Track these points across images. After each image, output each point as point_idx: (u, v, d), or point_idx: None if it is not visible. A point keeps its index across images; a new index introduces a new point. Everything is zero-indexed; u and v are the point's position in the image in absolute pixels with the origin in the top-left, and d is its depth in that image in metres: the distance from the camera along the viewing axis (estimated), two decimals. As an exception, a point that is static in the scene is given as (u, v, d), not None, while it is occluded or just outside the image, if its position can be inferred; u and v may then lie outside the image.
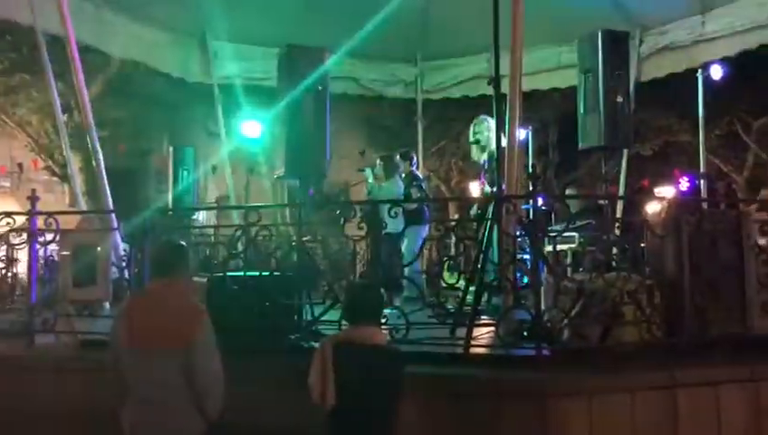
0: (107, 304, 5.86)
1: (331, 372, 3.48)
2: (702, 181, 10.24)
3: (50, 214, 5.49)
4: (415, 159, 9.24)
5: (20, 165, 17.43)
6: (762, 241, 4.91)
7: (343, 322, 3.98)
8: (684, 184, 15.85)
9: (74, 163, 8.99)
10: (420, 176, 9.10)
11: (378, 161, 8.75)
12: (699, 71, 9.62)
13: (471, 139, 7.30)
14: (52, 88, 7.72)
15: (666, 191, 17.83)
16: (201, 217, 10.07)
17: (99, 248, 5.44)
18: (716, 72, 9.86)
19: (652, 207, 5.55)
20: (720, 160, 19.02)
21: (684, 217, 4.77)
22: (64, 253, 5.49)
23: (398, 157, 8.72)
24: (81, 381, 4.95)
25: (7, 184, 18.26)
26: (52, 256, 5.68)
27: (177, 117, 16.14)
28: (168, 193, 9.09)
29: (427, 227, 8.07)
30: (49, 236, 5.48)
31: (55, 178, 16.42)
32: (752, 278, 4.84)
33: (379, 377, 3.55)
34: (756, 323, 4.82)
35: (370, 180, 8.51)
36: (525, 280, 5.37)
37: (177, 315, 3.49)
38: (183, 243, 3.96)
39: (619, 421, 4.18)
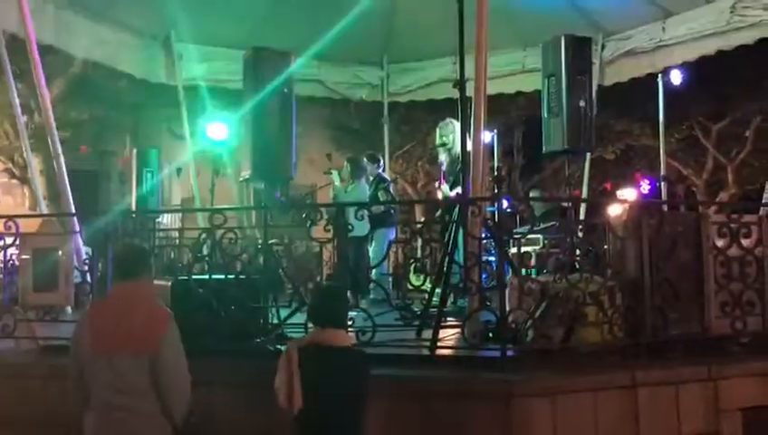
0: (69, 309, 5.76)
1: (297, 376, 3.48)
2: (662, 184, 10.42)
3: (10, 217, 5.39)
4: (381, 161, 9.28)
5: (-22, 167, 17.03)
6: (720, 243, 5.02)
7: (309, 324, 3.97)
8: (645, 187, 16.13)
9: (35, 165, 8.82)
10: (387, 178, 9.15)
11: (345, 164, 8.76)
12: (660, 76, 9.81)
13: (437, 141, 7.37)
14: (12, 89, 7.58)
15: (627, 194, 18.13)
16: (166, 219, 9.97)
17: (60, 252, 5.35)
18: (676, 78, 10.06)
19: (614, 210, 5.64)
20: (680, 164, 19.38)
21: (644, 220, 4.85)
22: (24, 257, 5.39)
23: (364, 159, 8.75)
24: (41, 387, 4.88)
25: (-35, 186, 17.84)
26: (12, 259, 5.56)
27: (141, 118, 15.95)
28: (132, 195, 8.96)
29: (393, 230, 8.12)
30: (9, 240, 5.38)
31: (15, 181, 16.08)
32: (710, 279, 4.94)
33: (345, 379, 3.55)
34: (714, 323, 4.92)
35: (337, 183, 8.52)
36: (488, 280, 5.42)
37: (143, 319, 3.43)
38: (144, 245, 3.92)
39: (583, 421, 4.25)
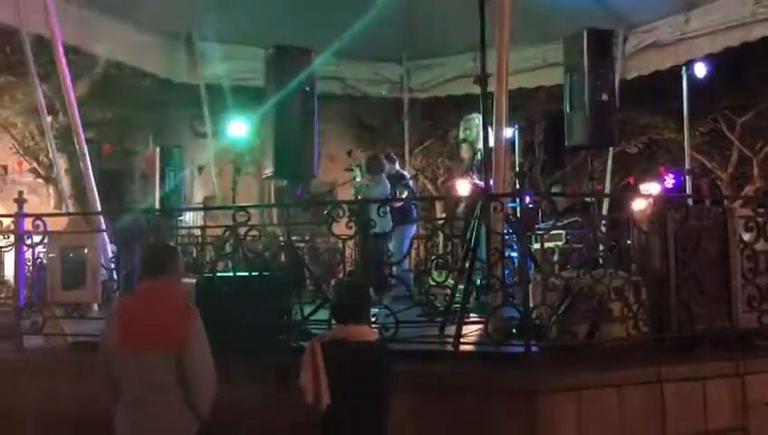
0: (95, 306, 5.84)
1: (323, 372, 3.49)
2: (687, 178, 10.30)
3: (38, 216, 5.47)
4: (396, 161, 9.28)
5: (5, 167, 17.30)
6: (746, 237, 4.96)
7: (333, 321, 3.99)
8: (669, 181, 15.96)
9: (60, 165, 8.94)
10: (407, 175, 9.14)
11: (362, 161, 8.78)
12: (683, 68, 9.69)
13: (461, 136, 7.35)
14: (38, 90, 7.68)
15: (651, 188, 17.95)
16: (188, 217, 10.05)
17: (87, 250, 5.42)
18: (700, 70, 9.93)
19: (638, 204, 5.60)
20: (705, 157, 19.15)
21: (669, 214, 4.81)
22: (52, 255, 5.47)
23: (383, 156, 8.77)
24: (70, 383, 4.95)
25: (-9, 186, 18.11)
26: (40, 258, 5.65)
27: (164, 117, 16.06)
28: (156, 194, 9.05)
29: (414, 226, 8.11)
30: (37, 238, 5.46)
31: (40, 180, 16.30)
32: (737, 273, 4.89)
33: (368, 375, 3.56)
34: (741, 317, 4.87)
35: (358, 179, 8.53)
36: (510, 277, 5.39)
37: (169, 317, 3.48)
38: (172, 244, 3.95)
39: (608, 417, 4.23)
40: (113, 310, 3.73)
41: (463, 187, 7.36)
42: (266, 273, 5.13)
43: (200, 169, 12.14)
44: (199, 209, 11.44)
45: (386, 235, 6.96)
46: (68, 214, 7.29)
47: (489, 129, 5.24)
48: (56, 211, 11.01)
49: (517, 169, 8.62)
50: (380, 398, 3.58)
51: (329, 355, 3.52)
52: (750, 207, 5.43)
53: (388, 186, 8.38)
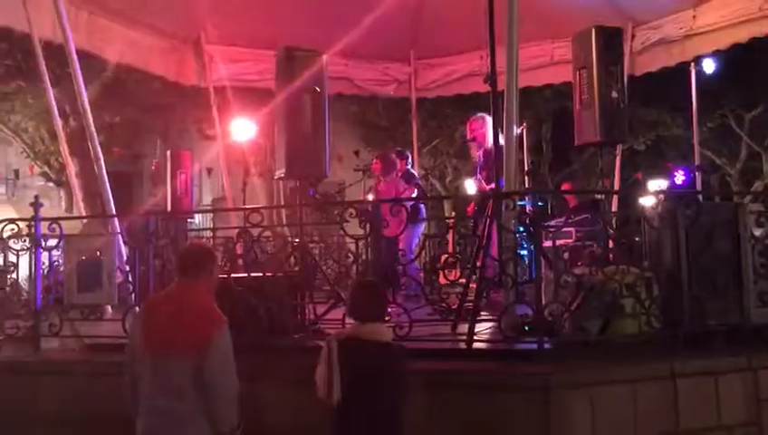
0: (109, 308, 5.89)
1: (336, 369, 3.51)
2: (697, 174, 10.30)
3: (54, 220, 5.53)
4: (409, 157, 9.31)
5: (16, 171, 17.45)
6: (758, 232, 4.97)
7: (348, 319, 4.02)
8: (679, 177, 15.94)
9: (71, 169, 9.00)
10: (416, 174, 9.17)
11: (374, 160, 8.82)
12: (691, 65, 9.67)
13: (469, 136, 7.38)
14: (49, 94, 7.74)
15: (659, 184, 17.92)
16: (197, 219, 10.11)
17: (102, 252, 5.48)
18: (708, 66, 9.93)
19: (647, 201, 5.61)
20: (713, 153, 19.13)
21: (680, 210, 4.83)
22: (68, 258, 5.53)
23: (393, 155, 8.80)
24: (86, 386, 4.99)
25: (3, 191, 18.26)
26: (56, 261, 5.71)
27: (173, 120, 16.16)
28: (167, 196, 9.12)
29: (423, 225, 8.14)
30: (53, 242, 5.52)
31: (51, 184, 16.43)
32: (748, 269, 4.90)
33: (384, 373, 3.58)
34: (753, 312, 4.88)
35: None
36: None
37: (194, 321, 3.33)
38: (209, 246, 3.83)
39: (621, 412, 4.25)
40: (140, 310, 3.62)
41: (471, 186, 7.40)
42: (279, 273, 5.17)
43: (209, 171, 12.20)
44: (209, 211, 11.50)
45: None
46: (83, 217, 7.36)
47: (499, 128, 5.27)
48: (73, 215, 11.09)
49: (526, 167, 8.62)
50: (396, 395, 3.60)
51: (344, 353, 3.55)
52: (761, 201, 5.43)
53: (400, 184, 8.41)
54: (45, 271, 5.63)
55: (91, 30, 8.14)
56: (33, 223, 5.53)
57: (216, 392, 3.25)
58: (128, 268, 5.55)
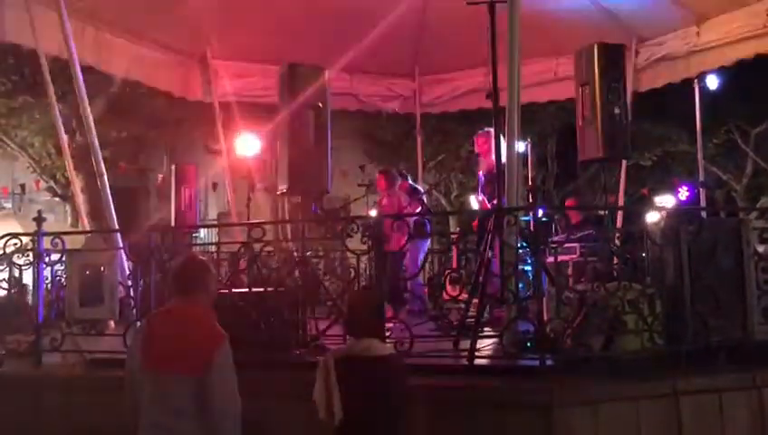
0: (111, 323, 5.89)
1: (335, 387, 3.48)
2: (701, 190, 10.27)
3: (57, 234, 5.55)
4: (408, 176, 9.34)
5: (22, 186, 17.53)
6: (761, 248, 4.95)
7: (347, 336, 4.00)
8: (683, 193, 15.92)
9: (77, 184, 9.04)
10: (421, 189, 9.18)
11: (377, 175, 8.85)
12: (695, 81, 9.66)
13: (476, 150, 7.44)
14: (55, 109, 7.79)
15: (665, 200, 17.88)
16: (202, 233, 10.13)
17: (104, 267, 5.49)
18: (713, 82, 9.92)
19: (652, 217, 5.60)
20: (719, 169, 19.10)
21: (683, 226, 4.81)
22: (71, 272, 5.54)
23: (394, 171, 8.84)
24: (87, 401, 4.98)
25: (9, 205, 18.34)
26: (58, 275, 5.72)
27: (178, 135, 16.24)
28: (171, 211, 9.14)
29: (428, 241, 8.13)
30: (55, 256, 5.53)
31: (57, 199, 16.50)
32: (752, 285, 4.87)
33: (382, 389, 3.55)
34: (757, 329, 4.84)
35: None
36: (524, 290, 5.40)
37: (196, 338, 3.30)
38: (205, 259, 3.79)
39: (625, 430, 4.21)
40: (139, 328, 3.61)
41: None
42: (281, 288, 5.16)
43: (214, 186, 12.23)
44: (214, 226, 11.52)
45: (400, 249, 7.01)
46: (86, 232, 7.38)
47: (502, 143, 5.28)
48: (76, 229, 11.12)
49: (530, 182, 8.63)
50: (395, 412, 3.58)
51: (343, 370, 3.52)
52: (765, 218, 5.41)
53: (404, 200, 8.42)
54: (48, 285, 5.64)
55: (97, 46, 8.22)
56: (35, 238, 5.54)
57: (217, 410, 3.21)
58: (130, 283, 5.56)
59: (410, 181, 9.03)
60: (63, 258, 5.53)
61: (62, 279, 5.68)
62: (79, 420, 4.94)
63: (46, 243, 5.53)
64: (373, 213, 9.08)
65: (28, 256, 5.57)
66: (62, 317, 5.54)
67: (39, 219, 5.62)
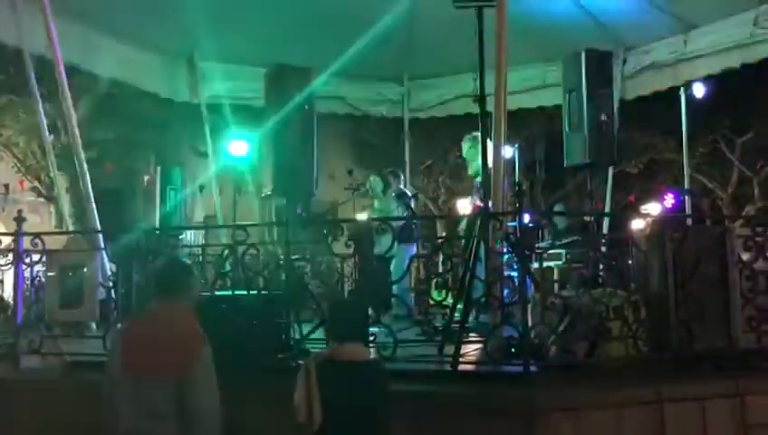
0: (93, 325, 5.83)
1: (316, 391, 3.45)
2: (687, 198, 10.32)
3: (36, 235, 5.47)
4: (402, 177, 9.31)
5: (6, 186, 17.35)
6: (745, 256, 4.96)
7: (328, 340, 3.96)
8: (669, 201, 15.99)
9: (61, 184, 8.97)
10: (408, 193, 9.16)
11: (371, 178, 8.84)
12: (682, 89, 9.70)
13: (464, 154, 7.43)
14: (40, 109, 7.71)
15: (652, 208, 17.97)
16: (189, 236, 10.06)
17: (86, 269, 5.42)
18: (699, 91, 9.97)
19: (637, 224, 5.61)
20: (705, 177, 19.20)
21: (668, 234, 4.81)
22: (51, 273, 5.47)
23: (388, 172, 8.83)
24: (67, 403, 4.92)
25: (-8, 205, 18.14)
26: (38, 276, 5.64)
27: (165, 137, 16.11)
28: (156, 212, 9.08)
29: (415, 245, 8.11)
30: (35, 257, 5.46)
31: (41, 199, 16.34)
32: (736, 293, 4.88)
33: (364, 394, 3.52)
34: (741, 337, 4.85)
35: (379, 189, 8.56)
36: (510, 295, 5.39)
37: (174, 343, 3.27)
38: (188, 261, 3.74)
39: (607, 437, 4.20)
40: (119, 332, 3.57)
41: (464, 205, 7.41)
42: (265, 292, 5.12)
43: (201, 187, 12.15)
44: (197, 228, 11.45)
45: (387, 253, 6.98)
46: (67, 232, 7.31)
47: (488, 148, 5.27)
48: (56, 230, 11.02)
49: (517, 187, 8.62)
50: (377, 417, 3.54)
51: (323, 374, 3.48)
52: (749, 226, 5.42)
53: (394, 204, 8.40)
54: (28, 286, 5.56)
55: (83, 45, 8.14)
56: (15, 238, 5.47)
57: (198, 413, 3.19)
58: (111, 284, 5.49)
59: (401, 184, 9.00)
60: (44, 259, 5.45)
61: (43, 280, 5.61)
62: (58, 422, 4.87)
63: (26, 243, 5.45)
64: (359, 217, 9.04)
65: (8, 256, 5.50)
66: (42, 319, 5.47)
67: (19, 219, 5.55)
